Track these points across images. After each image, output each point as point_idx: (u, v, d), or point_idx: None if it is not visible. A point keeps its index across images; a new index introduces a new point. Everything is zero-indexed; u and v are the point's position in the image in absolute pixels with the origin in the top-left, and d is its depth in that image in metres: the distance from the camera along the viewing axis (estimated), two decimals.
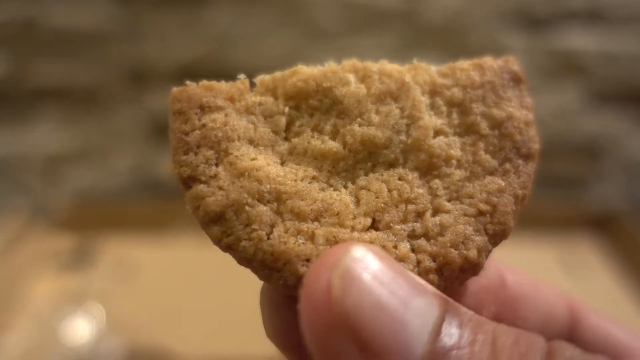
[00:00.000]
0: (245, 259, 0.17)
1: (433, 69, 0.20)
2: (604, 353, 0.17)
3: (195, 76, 0.83)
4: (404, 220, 0.18)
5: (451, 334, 0.14)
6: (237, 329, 0.62)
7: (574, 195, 0.92)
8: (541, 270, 0.74)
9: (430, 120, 0.19)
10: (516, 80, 0.20)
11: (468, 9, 0.81)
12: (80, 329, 0.62)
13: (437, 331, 0.14)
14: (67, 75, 0.83)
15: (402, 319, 0.14)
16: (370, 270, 0.14)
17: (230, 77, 0.74)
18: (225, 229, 0.17)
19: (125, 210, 0.82)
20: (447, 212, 0.18)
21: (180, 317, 0.63)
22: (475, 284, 0.21)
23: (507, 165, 0.19)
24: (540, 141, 0.19)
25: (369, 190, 0.18)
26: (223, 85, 0.19)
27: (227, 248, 0.17)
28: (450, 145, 0.19)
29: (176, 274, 0.72)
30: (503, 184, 0.18)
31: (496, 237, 0.18)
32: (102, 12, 0.80)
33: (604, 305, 0.30)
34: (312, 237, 0.17)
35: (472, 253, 0.17)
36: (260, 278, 0.17)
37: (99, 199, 0.88)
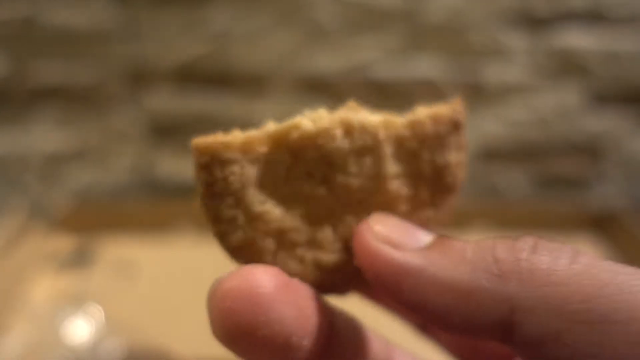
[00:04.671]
0: None
1: (400, 122, 0.24)
2: None
3: (196, 76, 0.84)
4: None
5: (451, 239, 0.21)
6: None
7: (574, 195, 0.92)
8: None
9: (392, 168, 0.24)
10: (457, 126, 0.25)
11: (468, 8, 0.81)
12: (80, 328, 0.62)
13: (438, 235, 0.21)
14: (66, 75, 0.83)
15: (413, 228, 0.22)
16: (389, 216, 0.23)
17: (230, 76, 0.74)
18: (245, 258, 0.23)
19: (124, 210, 0.81)
20: None
21: (180, 317, 0.63)
22: None
23: (437, 199, 0.25)
24: (463, 181, 0.25)
25: (343, 222, 0.24)
26: (238, 138, 0.23)
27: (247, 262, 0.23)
28: (401, 186, 0.24)
29: (176, 274, 0.72)
30: (432, 214, 0.25)
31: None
32: (102, 12, 0.80)
33: None
34: (302, 260, 0.24)
35: None
36: None
37: (99, 199, 0.88)
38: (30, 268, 0.72)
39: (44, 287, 0.69)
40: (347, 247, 0.24)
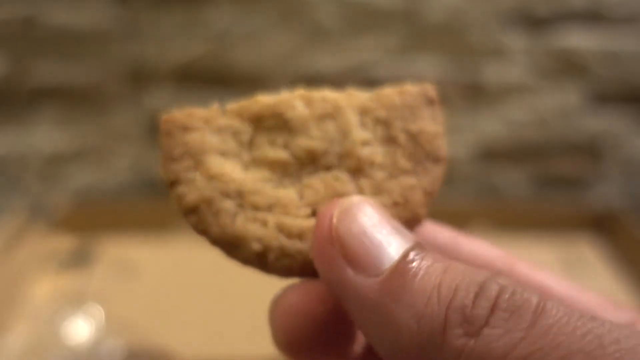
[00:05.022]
0: (215, 240, 0.23)
1: (365, 95, 0.25)
2: None
3: (196, 76, 0.84)
4: None
5: (415, 258, 0.18)
6: (237, 329, 0.62)
7: (574, 195, 0.92)
8: None
9: (359, 133, 0.24)
10: (430, 101, 0.25)
11: (468, 8, 0.81)
12: (80, 329, 0.62)
13: (405, 254, 0.19)
14: (66, 75, 0.83)
15: (380, 244, 0.19)
16: (362, 209, 0.20)
17: (230, 76, 0.74)
18: (199, 218, 0.23)
19: (124, 210, 0.81)
20: None
21: (180, 317, 0.63)
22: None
23: (419, 168, 0.24)
24: (447, 149, 0.25)
25: (310, 187, 0.24)
26: (200, 111, 0.25)
27: (202, 232, 0.23)
28: (374, 152, 0.24)
29: (176, 274, 0.72)
30: (414, 181, 0.24)
31: (409, 223, 0.24)
32: (102, 11, 0.80)
33: None
34: (265, 223, 0.23)
35: None
36: (227, 255, 0.23)
37: (98, 198, 0.88)
38: (30, 268, 0.72)
39: (44, 287, 0.69)
40: (315, 213, 0.23)
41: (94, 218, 0.80)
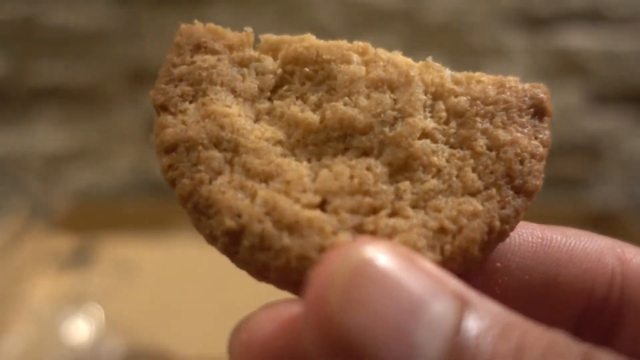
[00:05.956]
0: (181, 197, 0.17)
1: (447, 72, 0.19)
2: None
3: None
4: (355, 211, 0.17)
5: (466, 348, 0.12)
6: None
7: (574, 195, 0.92)
8: None
9: (423, 120, 0.18)
10: (539, 109, 0.18)
11: (468, 8, 0.81)
12: (80, 329, 0.62)
13: (450, 347, 0.12)
14: (66, 75, 0.83)
15: (409, 339, 0.12)
16: (374, 279, 0.13)
17: None
18: (173, 162, 0.17)
19: (124, 210, 0.81)
20: (406, 217, 0.17)
21: (180, 317, 0.63)
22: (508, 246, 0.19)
23: (493, 192, 0.17)
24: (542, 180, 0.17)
25: (330, 170, 0.17)
26: (228, 32, 0.19)
27: (170, 181, 0.17)
28: (435, 152, 0.18)
29: (176, 274, 0.72)
30: (480, 208, 0.17)
31: (452, 262, 0.16)
32: (102, 11, 0.80)
33: None
34: (252, 196, 0.17)
35: None
36: (191, 221, 0.17)
37: (99, 198, 0.88)
38: (31, 268, 0.72)
39: (44, 287, 0.69)
40: (323, 202, 0.17)
41: (94, 218, 0.80)
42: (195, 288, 0.68)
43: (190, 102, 0.18)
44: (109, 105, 0.85)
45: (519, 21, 0.83)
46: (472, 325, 0.13)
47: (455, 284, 0.14)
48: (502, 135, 0.18)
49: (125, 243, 0.78)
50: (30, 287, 0.69)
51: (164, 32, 0.82)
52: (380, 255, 0.13)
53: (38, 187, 0.88)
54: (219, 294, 0.66)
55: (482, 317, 0.13)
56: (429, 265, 0.14)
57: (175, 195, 0.17)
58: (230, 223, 0.16)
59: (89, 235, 0.79)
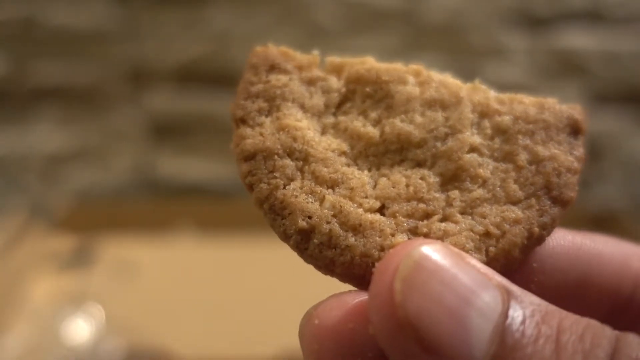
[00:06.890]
0: (258, 199, 0.20)
1: (492, 93, 0.21)
2: None
3: (196, 76, 0.83)
4: (410, 215, 0.19)
5: (514, 331, 0.14)
6: (237, 329, 0.62)
7: None
8: None
9: (471, 136, 0.20)
10: (575, 128, 0.21)
11: (468, 8, 0.81)
12: (80, 329, 0.62)
13: (499, 330, 0.15)
14: (66, 75, 0.83)
15: (463, 321, 0.15)
16: (431, 271, 0.15)
17: (230, 76, 0.74)
18: (252, 168, 0.20)
19: (125, 210, 0.81)
20: (455, 222, 0.19)
21: (180, 317, 0.63)
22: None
23: (533, 201, 0.19)
24: (577, 192, 0.20)
25: (388, 178, 0.20)
26: (298, 55, 0.22)
27: (249, 186, 0.20)
28: (481, 164, 0.20)
29: (176, 274, 0.72)
30: (522, 215, 0.19)
31: (495, 262, 0.19)
32: (102, 11, 0.80)
33: None
34: (321, 200, 0.19)
35: None
36: (266, 221, 0.20)
37: (99, 199, 0.88)
38: (31, 268, 0.72)
39: (44, 287, 0.69)
40: (382, 207, 0.20)
41: (94, 218, 0.80)
42: (196, 288, 0.68)
43: (266, 116, 0.20)
44: (109, 105, 0.85)
45: (519, 21, 0.83)
46: (518, 312, 0.15)
47: (500, 278, 0.16)
48: (541, 151, 0.20)
49: (125, 243, 0.78)
50: (30, 287, 0.69)
51: (164, 32, 0.82)
52: (436, 253, 0.16)
53: (38, 187, 0.88)
54: (219, 294, 0.66)
55: (525, 306, 0.15)
56: (476, 262, 0.16)
57: (253, 198, 0.20)
58: (302, 223, 0.19)
59: (89, 235, 0.79)
